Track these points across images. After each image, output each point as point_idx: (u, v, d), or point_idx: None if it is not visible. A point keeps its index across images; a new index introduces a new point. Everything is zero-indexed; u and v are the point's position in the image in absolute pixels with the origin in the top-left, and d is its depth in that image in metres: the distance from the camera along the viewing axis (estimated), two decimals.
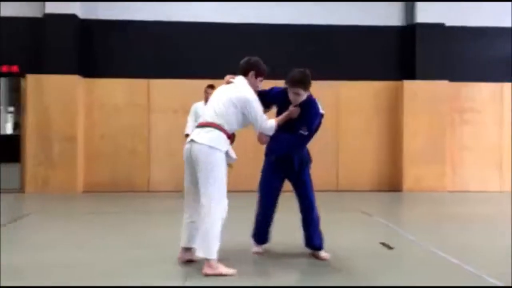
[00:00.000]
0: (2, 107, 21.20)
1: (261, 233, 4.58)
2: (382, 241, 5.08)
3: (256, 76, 4.18)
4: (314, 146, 9.88)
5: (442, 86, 9.56)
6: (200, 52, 9.47)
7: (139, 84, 9.34)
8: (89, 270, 4.05)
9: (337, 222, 6.24)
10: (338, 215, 7.01)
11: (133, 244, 4.95)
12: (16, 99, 20.06)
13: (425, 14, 9.53)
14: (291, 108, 4.28)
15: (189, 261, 4.15)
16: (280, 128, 4.19)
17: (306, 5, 9.64)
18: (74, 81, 9.00)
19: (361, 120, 9.69)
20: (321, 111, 4.44)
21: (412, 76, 9.62)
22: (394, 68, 9.81)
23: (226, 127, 3.95)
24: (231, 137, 4.01)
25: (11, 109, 22.07)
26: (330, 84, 9.61)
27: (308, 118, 4.26)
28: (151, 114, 9.35)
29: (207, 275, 3.80)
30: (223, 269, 3.87)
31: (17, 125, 20.48)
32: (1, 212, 6.80)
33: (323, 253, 4.49)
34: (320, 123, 4.42)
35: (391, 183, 9.64)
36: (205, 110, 4.09)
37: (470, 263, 4.24)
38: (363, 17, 9.72)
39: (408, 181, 9.44)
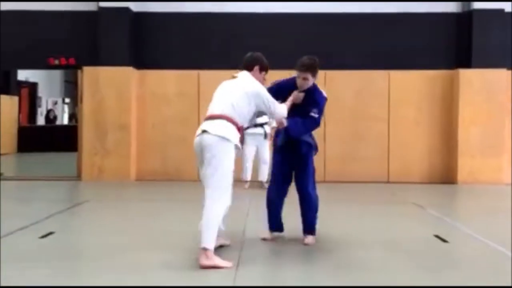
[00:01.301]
0: (59, 99, 22.09)
1: (273, 221, 4.68)
2: (436, 234, 4.95)
3: (260, 70, 4.29)
4: (364, 136, 9.84)
5: (500, 74, 9.16)
6: (250, 43, 9.47)
7: (189, 75, 9.48)
8: (137, 253, 4.17)
9: (389, 215, 6.14)
10: (390, 207, 6.89)
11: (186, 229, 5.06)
12: (72, 90, 20.92)
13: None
14: (295, 93, 4.46)
15: (220, 246, 4.15)
16: (290, 112, 4.35)
17: None
18: (127, 72, 9.24)
19: (414, 110, 9.44)
20: (325, 95, 4.62)
21: (468, 64, 9.26)
22: (449, 57, 9.48)
23: (237, 120, 3.98)
24: (241, 130, 4.03)
25: (68, 100, 22.97)
26: (383, 73, 9.41)
27: (316, 101, 4.48)
28: (201, 105, 9.47)
29: (203, 267, 3.73)
30: (219, 261, 3.79)
31: (73, 116, 21.33)
32: (62, 199, 7.10)
33: (309, 238, 4.54)
34: (324, 106, 4.60)
35: (445, 175, 9.36)
36: (213, 103, 4.11)
37: None
38: (416, 4, 9.43)
39: (462, 174, 9.13)
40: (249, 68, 4.27)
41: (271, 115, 4.20)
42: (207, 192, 3.88)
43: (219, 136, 3.87)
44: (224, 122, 3.94)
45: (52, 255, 4.19)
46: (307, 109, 4.40)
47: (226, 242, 4.32)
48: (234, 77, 4.26)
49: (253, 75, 4.23)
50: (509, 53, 9.22)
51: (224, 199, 3.88)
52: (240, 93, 4.05)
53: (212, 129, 3.91)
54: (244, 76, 4.22)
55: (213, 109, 4.07)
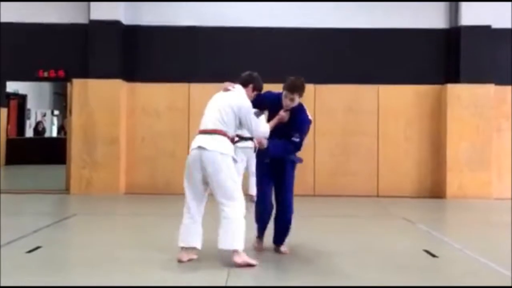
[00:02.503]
0: (47, 111, 21.95)
1: (261, 231, 4.83)
2: (426, 248, 4.95)
3: (253, 89, 4.52)
4: (353, 150, 9.86)
5: (488, 89, 9.27)
6: (241, 57, 9.52)
7: (179, 88, 9.47)
8: (129, 266, 4.12)
9: (379, 229, 6.14)
10: (380, 222, 6.89)
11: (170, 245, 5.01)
12: (61, 103, 20.80)
13: (470, 16, 9.27)
14: (281, 112, 4.57)
15: (189, 260, 4.34)
16: (273, 133, 4.49)
17: (347, 8, 9.54)
18: (117, 85, 9.22)
19: (403, 125, 9.50)
20: (310, 117, 4.71)
21: (456, 79, 9.37)
22: (438, 72, 9.58)
23: (228, 133, 4.25)
24: (233, 141, 4.34)
25: (57, 112, 22.82)
26: (371, 88, 9.48)
27: (299, 125, 4.58)
28: (191, 118, 9.46)
29: (238, 265, 4.12)
30: (249, 259, 4.21)
31: (61, 128, 21.18)
32: (49, 212, 7.02)
33: (284, 247, 4.71)
34: (308, 129, 4.69)
35: (434, 190, 9.40)
36: (207, 117, 4.33)
37: None
38: (406, 20, 9.55)
39: (451, 188, 9.17)
40: (244, 85, 4.51)
41: (251, 132, 4.43)
42: (222, 201, 4.19)
43: (218, 152, 4.15)
44: (218, 137, 4.21)
45: (39, 269, 4.13)
46: (290, 131, 4.49)
47: (194, 257, 4.42)
48: (226, 89, 4.46)
49: (247, 92, 4.48)
50: (496, 68, 9.34)
51: (242, 203, 4.22)
52: (228, 107, 4.29)
53: (210, 145, 4.17)
54: (236, 91, 4.45)
55: (206, 124, 4.30)
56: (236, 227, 4.14)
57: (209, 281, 3.86)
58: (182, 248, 4.35)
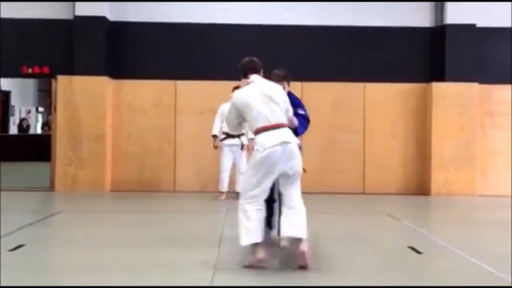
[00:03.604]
0: (32, 107, 21.70)
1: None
2: (411, 245, 5.00)
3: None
4: (340, 148, 9.90)
5: (472, 88, 9.37)
6: (227, 54, 9.49)
7: (166, 85, 9.42)
8: (116, 267, 4.09)
9: (364, 225, 6.18)
10: (365, 218, 6.94)
11: (163, 242, 4.99)
12: (45, 99, 20.56)
13: (455, 15, 9.35)
14: None
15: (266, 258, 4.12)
16: None
17: (334, 6, 9.57)
18: (103, 82, 9.14)
19: (388, 122, 9.57)
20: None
21: (441, 78, 9.45)
22: (423, 70, 9.66)
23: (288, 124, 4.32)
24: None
25: (41, 109, 22.56)
26: (358, 85, 9.53)
27: (295, 101, 4.91)
28: (177, 115, 9.42)
29: (304, 252, 4.06)
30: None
31: (45, 125, 20.94)
32: (34, 210, 6.95)
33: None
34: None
35: (419, 186, 9.49)
36: (267, 111, 4.13)
37: (504, 270, 4.12)
38: (391, 18, 9.60)
39: (436, 185, 9.27)
40: (258, 72, 4.43)
41: (287, 113, 4.37)
42: (291, 192, 4.21)
43: (297, 145, 4.25)
44: (288, 130, 4.25)
45: (21, 268, 4.07)
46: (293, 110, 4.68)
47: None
48: (248, 82, 4.35)
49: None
50: (481, 67, 9.44)
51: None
52: (282, 98, 4.30)
53: (292, 139, 4.20)
54: (266, 81, 4.40)
55: (273, 118, 4.15)
56: (303, 216, 4.20)
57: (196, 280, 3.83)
58: (260, 243, 4.06)
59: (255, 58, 4.52)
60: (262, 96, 4.18)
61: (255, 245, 4.10)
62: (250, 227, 4.08)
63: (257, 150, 4.09)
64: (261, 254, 4.09)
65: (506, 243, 5.37)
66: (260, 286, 3.78)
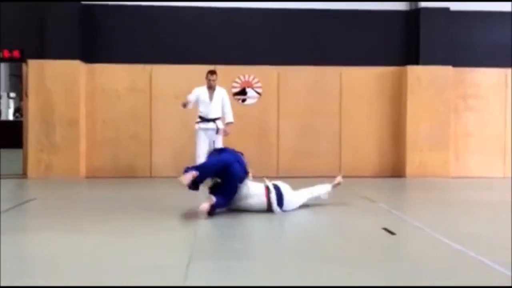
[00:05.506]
0: (3, 93, 21.19)
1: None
2: (385, 227, 5.07)
3: None
4: (316, 131, 9.95)
5: (446, 71, 9.49)
6: (202, 38, 9.39)
7: (141, 70, 9.29)
8: (92, 256, 4.05)
9: (339, 208, 6.24)
10: (341, 200, 6.98)
11: (138, 232, 4.96)
12: (17, 84, 20.08)
13: None
14: None
15: None
16: None
17: None
18: (76, 66, 8.96)
19: (364, 106, 9.65)
20: None
21: (416, 61, 9.54)
22: (398, 54, 9.73)
23: None
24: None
25: (13, 95, 22.06)
26: (333, 69, 9.55)
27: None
28: (152, 100, 9.31)
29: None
30: None
31: (17, 111, 20.50)
32: (6, 197, 6.81)
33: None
34: None
35: (394, 169, 9.62)
36: None
37: (473, 249, 4.22)
38: (367, 2, 9.61)
39: (411, 167, 9.41)
40: None
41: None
42: None
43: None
44: None
45: None
46: None
47: None
48: None
49: None
50: (454, 50, 9.55)
51: None
52: None
53: None
54: None
55: None
56: None
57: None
58: None
59: None
60: None
61: None
62: None
63: None
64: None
65: (477, 223, 5.50)
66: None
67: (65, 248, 4.25)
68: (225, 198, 5.48)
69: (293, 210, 5.91)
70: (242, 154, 5.82)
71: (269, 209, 5.70)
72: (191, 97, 7.77)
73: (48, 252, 4.14)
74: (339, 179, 6.33)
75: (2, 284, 3.27)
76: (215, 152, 5.93)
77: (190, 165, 5.58)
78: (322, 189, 6.18)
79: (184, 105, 7.73)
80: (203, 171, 5.37)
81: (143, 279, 3.39)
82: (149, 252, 4.14)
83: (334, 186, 6.28)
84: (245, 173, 5.65)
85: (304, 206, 6.17)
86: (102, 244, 4.41)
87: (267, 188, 5.75)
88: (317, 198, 6.14)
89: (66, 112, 8.90)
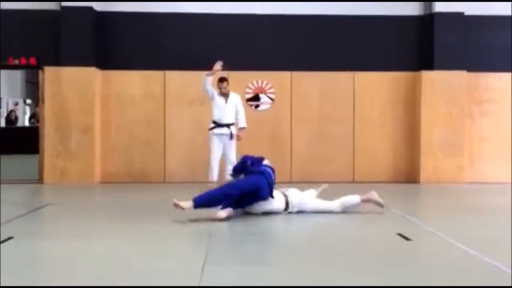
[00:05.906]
0: (20, 100, 21.48)
1: None
2: (400, 232, 5.04)
3: None
4: (330, 137, 9.93)
5: (460, 76, 9.42)
6: (215, 44, 9.44)
7: (155, 75, 9.37)
8: (106, 260, 4.09)
9: (353, 213, 6.21)
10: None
11: (152, 236, 4.99)
12: (33, 91, 20.33)
13: (444, 3, 9.37)
14: None
15: None
16: None
17: None
18: (91, 73, 9.07)
19: (378, 111, 9.61)
20: None
21: (430, 66, 9.49)
22: (412, 58, 9.69)
23: None
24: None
25: (29, 101, 22.35)
26: (346, 74, 9.54)
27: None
28: (166, 106, 9.38)
29: None
30: None
31: (33, 117, 20.74)
32: (23, 202, 6.90)
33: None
34: None
35: (408, 174, 9.56)
36: None
37: (488, 254, 4.18)
38: (381, 7, 9.60)
39: (425, 173, 9.34)
40: None
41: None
42: None
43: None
44: None
45: (9, 261, 4.05)
46: None
47: None
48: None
49: None
50: (469, 55, 9.48)
51: None
52: None
53: None
54: None
55: None
56: None
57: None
58: None
59: None
60: None
61: None
62: None
63: None
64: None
65: (492, 228, 5.44)
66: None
67: (79, 252, 4.30)
68: (239, 208, 5.77)
69: (309, 213, 5.93)
70: (264, 159, 5.97)
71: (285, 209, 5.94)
72: (210, 86, 7.81)
73: (63, 256, 4.19)
74: (370, 196, 6.29)
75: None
76: (249, 167, 5.84)
77: (207, 190, 5.88)
78: (352, 200, 6.21)
79: (210, 74, 7.76)
80: (235, 203, 5.66)
81: (157, 283, 3.41)
82: (163, 257, 4.16)
83: (364, 201, 6.23)
84: (270, 194, 5.77)
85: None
86: (116, 248, 4.44)
87: (285, 195, 5.98)
88: (351, 207, 6.15)
89: (81, 118, 9.00)
